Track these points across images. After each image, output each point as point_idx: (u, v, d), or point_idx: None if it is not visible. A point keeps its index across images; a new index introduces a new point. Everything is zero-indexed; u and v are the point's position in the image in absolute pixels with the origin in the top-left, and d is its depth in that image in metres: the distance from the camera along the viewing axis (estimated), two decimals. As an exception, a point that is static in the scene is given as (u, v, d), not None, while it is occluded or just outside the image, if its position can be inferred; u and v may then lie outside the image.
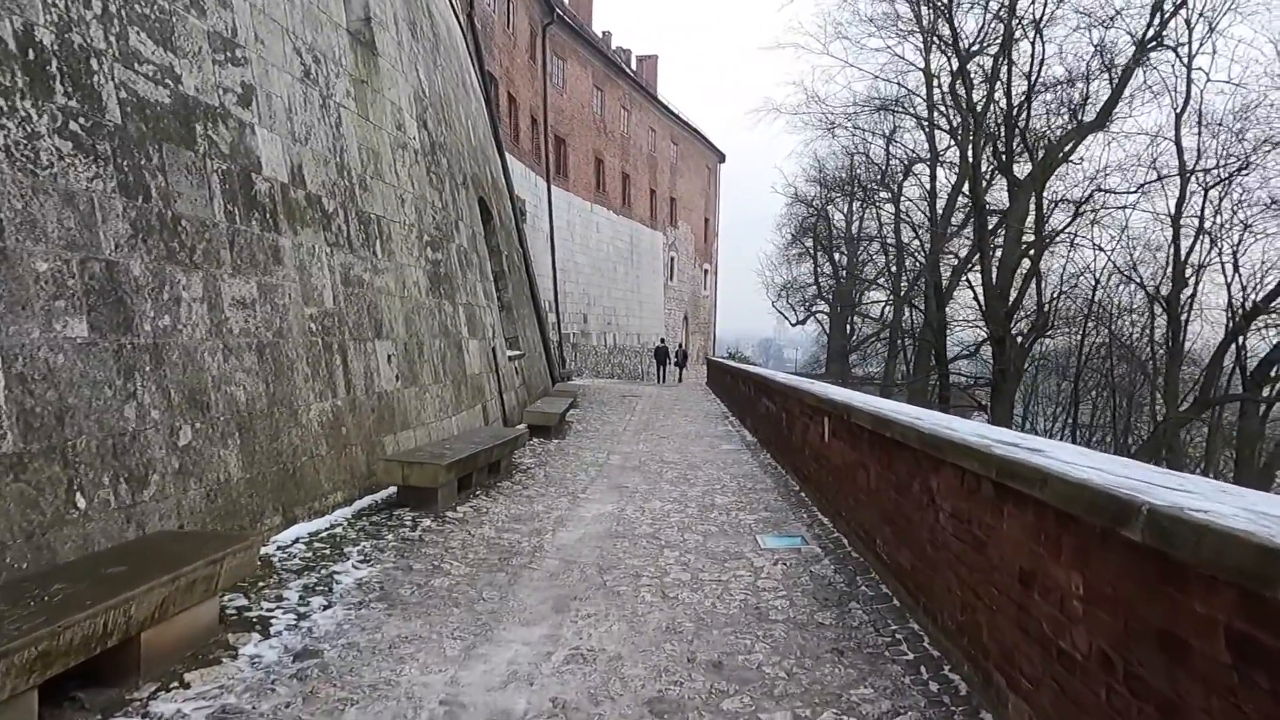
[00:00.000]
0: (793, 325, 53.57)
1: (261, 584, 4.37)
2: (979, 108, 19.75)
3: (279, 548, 5.04)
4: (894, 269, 36.57)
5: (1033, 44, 19.51)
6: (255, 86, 5.86)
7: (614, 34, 43.58)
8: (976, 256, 27.61)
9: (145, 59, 4.72)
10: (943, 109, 22.98)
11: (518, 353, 14.08)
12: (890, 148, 36.14)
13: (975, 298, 21.39)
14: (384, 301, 7.52)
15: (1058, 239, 22.05)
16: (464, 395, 9.58)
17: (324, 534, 5.45)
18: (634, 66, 43.28)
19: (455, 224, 10.64)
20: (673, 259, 45.26)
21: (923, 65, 21.92)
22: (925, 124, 24.31)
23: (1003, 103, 20.12)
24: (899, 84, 24.26)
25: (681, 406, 17.73)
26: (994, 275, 21.07)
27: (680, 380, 35.91)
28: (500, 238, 15.06)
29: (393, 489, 6.57)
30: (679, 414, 15.74)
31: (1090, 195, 21.29)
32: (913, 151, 29.93)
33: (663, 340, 39.81)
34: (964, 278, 30.42)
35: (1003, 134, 20.20)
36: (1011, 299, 21.72)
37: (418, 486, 6.21)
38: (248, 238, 5.48)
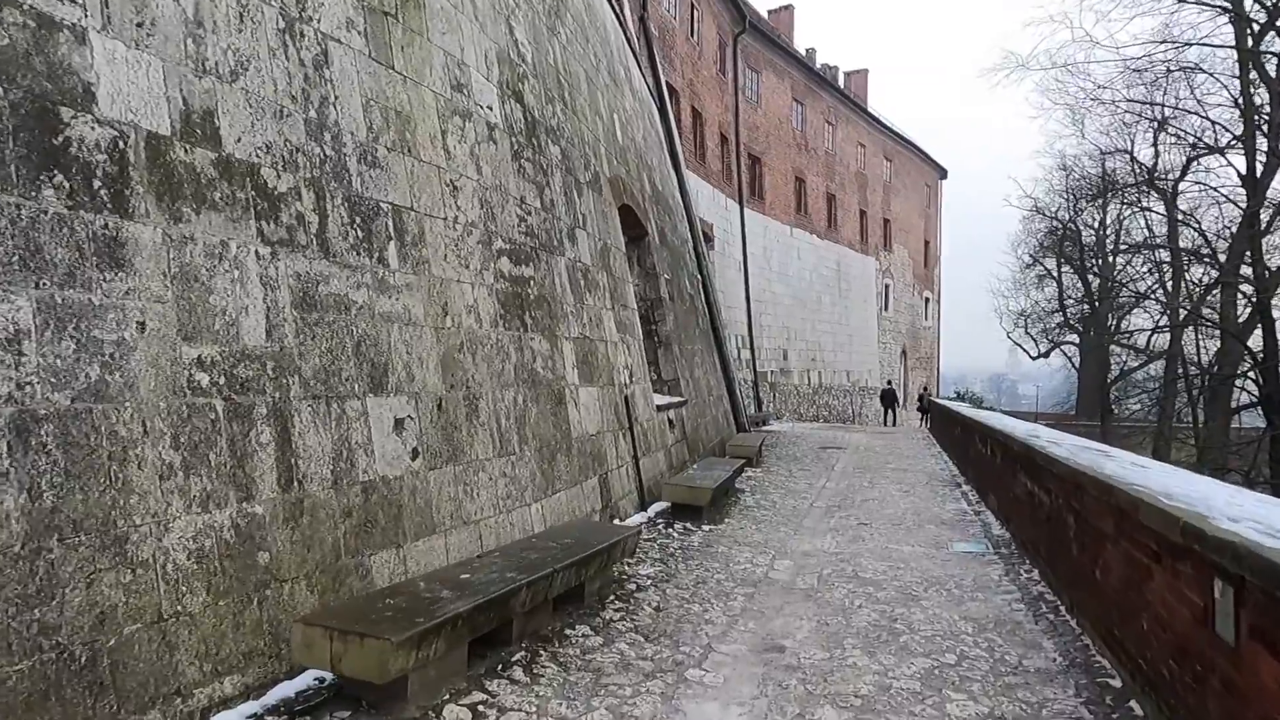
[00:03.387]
0: (1033, 359, 46.62)
1: None
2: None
3: None
4: (1170, 284, 29.64)
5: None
6: (103, -29, 3.40)
7: (819, 51, 40.19)
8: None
9: None
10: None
11: (676, 400, 11.11)
12: (1161, 137, 29.70)
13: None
14: (395, 335, 4.84)
15: None
16: (563, 468, 6.72)
17: (110, 804, 2.72)
18: (841, 82, 39.54)
19: (568, 232, 7.92)
20: (887, 286, 40.53)
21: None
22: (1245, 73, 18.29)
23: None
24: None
25: (896, 463, 13.84)
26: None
27: (924, 425, 31.13)
28: (659, 258, 12.27)
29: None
30: (890, 478, 11.95)
31: None
32: (1204, 134, 23.64)
33: (890, 382, 35.41)
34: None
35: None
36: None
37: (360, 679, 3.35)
38: (18, 219, 2.95)
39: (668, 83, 20.68)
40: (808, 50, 37.72)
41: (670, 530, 7.69)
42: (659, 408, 10.09)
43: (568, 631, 4.65)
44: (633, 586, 5.70)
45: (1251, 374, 20.96)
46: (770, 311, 28.79)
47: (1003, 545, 7.30)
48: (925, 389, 40.04)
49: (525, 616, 4.39)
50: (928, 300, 47.14)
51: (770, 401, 27.37)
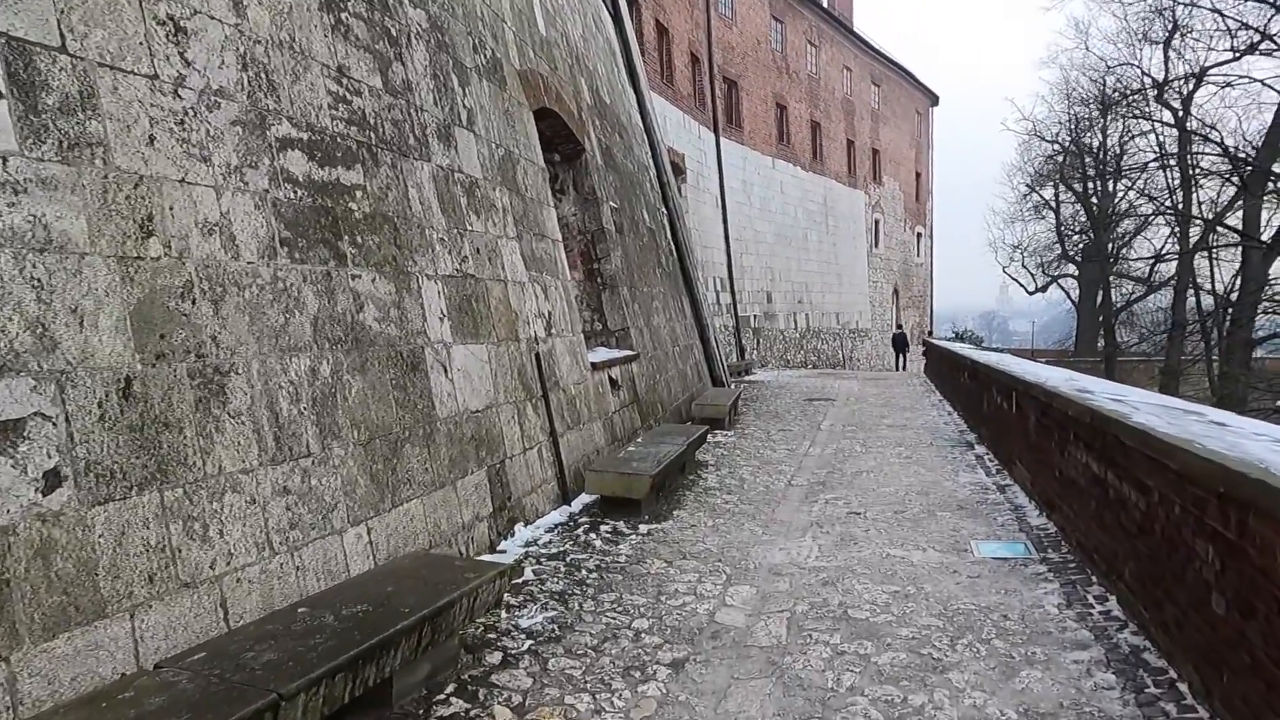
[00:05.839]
0: (1030, 294, 44.83)
1: None
2: None
3: None
4: (1179, 205, 27.39)
5: None
6: None
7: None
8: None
9: None
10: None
11: (622, 354, 8.99)
12: (1170, 52, 27.25)
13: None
14: (3, 268, 2.68)
15: None
16: (417, 464, 4.62)
17: None
18: (825, 4, 36.52)
19: (440, 130, 5.69)
20: (877, 222, 38.17)
21: None
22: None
23: None
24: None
25: (892, 418, 11.82)
26: None
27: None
28: (603, 182, 10.03)
29: None
30: (887, 438, 9.92)
31: None
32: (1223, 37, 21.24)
33: (900, 327, 33.76)
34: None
35: None
36: None
37: None
38: None
39: (626, -10, 18.09)
40: (788, -31, 34.63)
41: (593, 535, 5.64)
42: (595, 365, 7.97)
43: (327, 793, 2.59)
44: (496, 658, 3.65)
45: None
46: (752, 251, 26.54)
47: (1047, 543, 5.28)
48: (929, 332, 38.32)
49: (223, 788, 2.32)
50: (920, 236, 44.82)
51: (754, 348, 25.31)
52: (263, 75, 3.97)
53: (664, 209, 15.11)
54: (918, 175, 44.08)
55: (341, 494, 3.95)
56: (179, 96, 3.46)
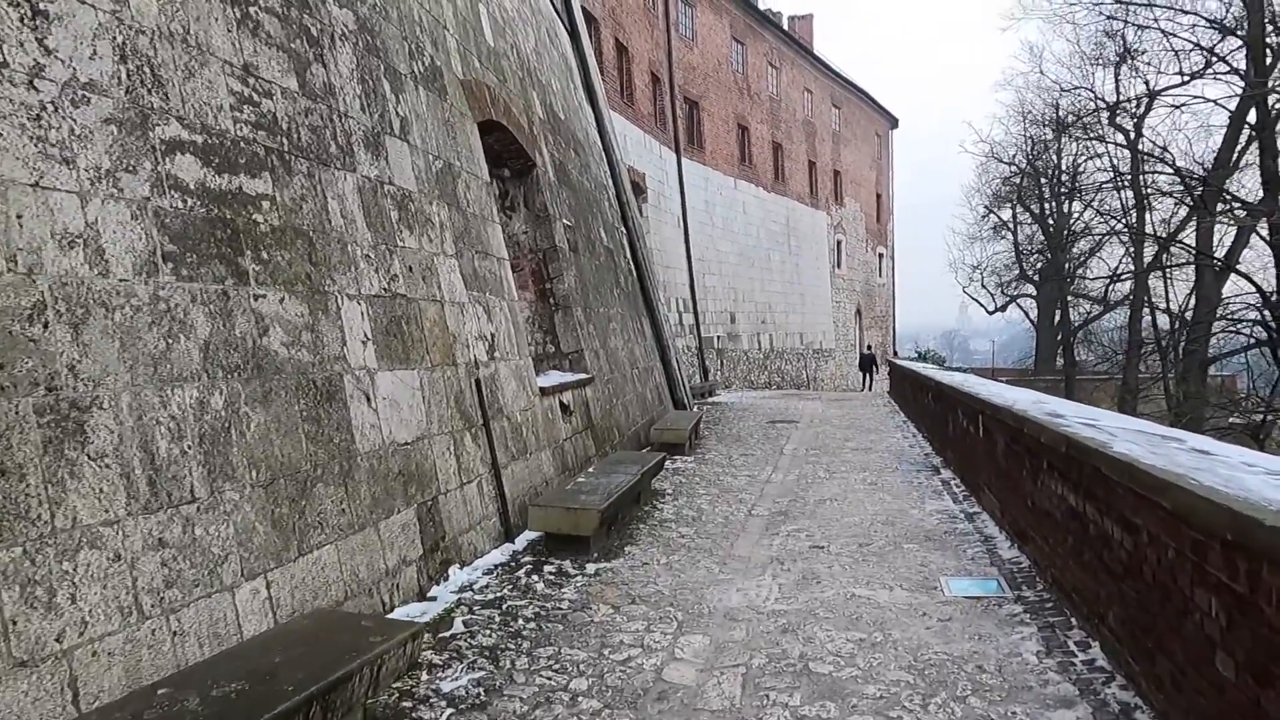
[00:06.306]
0: (990, 313, 45.23)
1: None
2: None
3: None
4: (1134, 225, 27.74)
5: None
6: None
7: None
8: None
9: None
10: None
11: (575, 378, 8.56)
12: (1122, 74, 27.75)
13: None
14: None
15: None
16: (333, 505, 4.14)
17: None
18: (785, 27, 36.76)
19: (367, 138, 5.26)
20: (840, 242, 38.29)
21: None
22: None
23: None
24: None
25: (856, 440, 11.51)
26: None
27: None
28: (556, 199, 9.64)
29: None
30: (851, 462, 9.58)
31: None
32: (1173, 62, 21.60)
33: (870, 348, 33.93)
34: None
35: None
36: None
37: None
38: None
39: (584, 8, 17.85)
40: (747, -7, 34.78)
41: (535, 578, 5.17)
42: (545, 390, 7.53)
43: None
44: (408, 732, 3.18)
45: (1258, 312, 19.03)
46: (715, 271, 26.32)
47: (1021, 579, 4.94)
48: (895, 352, 38.58)
49: None
50: (881, 256, 45.11)
51: (718, 370, 25.02)
52: (146, 69, 3.51)
53: (623, 228, 14.77)
54: (879, 196, 44.44)
55: (234, 544, 3.46)
56: (34, 89, 3.00)
